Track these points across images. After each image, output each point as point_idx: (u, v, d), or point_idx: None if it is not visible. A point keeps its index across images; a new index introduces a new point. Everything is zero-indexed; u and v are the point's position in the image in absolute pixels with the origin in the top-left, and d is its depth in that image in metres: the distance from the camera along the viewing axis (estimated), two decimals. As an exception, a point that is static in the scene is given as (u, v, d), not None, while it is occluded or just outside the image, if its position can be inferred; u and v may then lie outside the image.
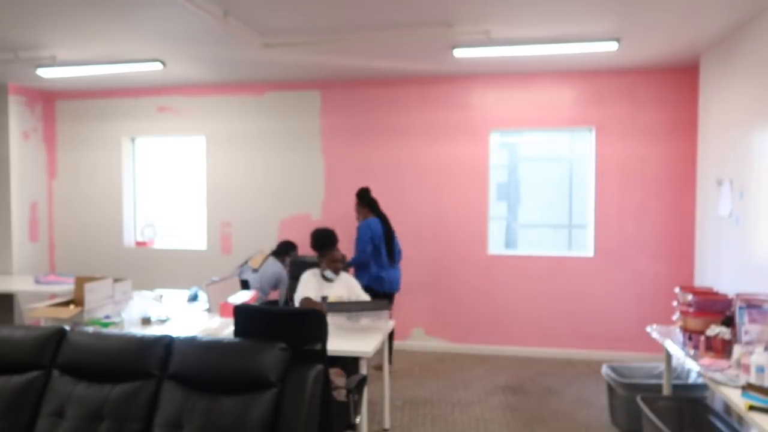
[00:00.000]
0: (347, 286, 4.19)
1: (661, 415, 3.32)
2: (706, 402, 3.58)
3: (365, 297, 4.22)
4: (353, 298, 4.12)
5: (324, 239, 4.35)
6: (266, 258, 5.23)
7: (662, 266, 5.53)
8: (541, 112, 5.74)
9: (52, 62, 5.11)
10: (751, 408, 2.33)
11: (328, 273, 4.12)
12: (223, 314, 3.93)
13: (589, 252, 5.77)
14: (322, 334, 2.70)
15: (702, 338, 3.04)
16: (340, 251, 4.24)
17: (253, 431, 2.29)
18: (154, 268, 6.50)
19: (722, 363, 2.82)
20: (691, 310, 3.25)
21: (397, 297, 5.52)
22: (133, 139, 6.78)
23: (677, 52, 4.88)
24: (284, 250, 5.44)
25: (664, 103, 5.49)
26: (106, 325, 3.58)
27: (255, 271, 5.11)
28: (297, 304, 4.04)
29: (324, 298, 4.00)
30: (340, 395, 3.05)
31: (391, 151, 6.03)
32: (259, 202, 6.34)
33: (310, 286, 4.07)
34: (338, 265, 4.14)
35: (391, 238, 5.19)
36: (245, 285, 4.92)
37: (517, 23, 4.14)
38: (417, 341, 6.02)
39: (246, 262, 5.28)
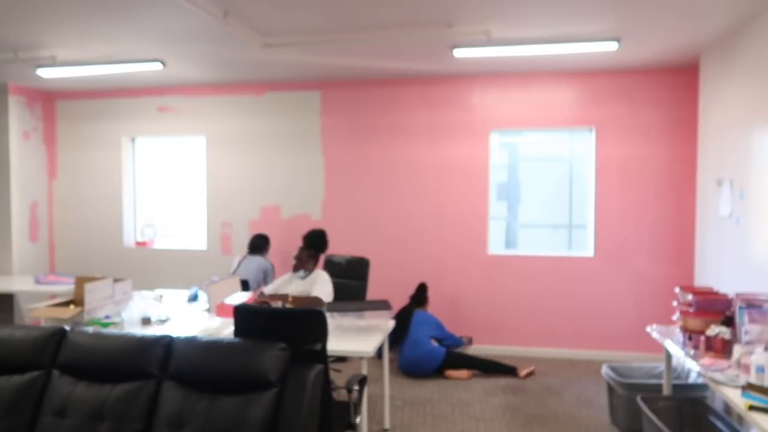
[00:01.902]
0: (308, 283, 4.32)
1: (661, 415, 3.32)
2: (706, 402, 3.58)
3: (322, 293, 4.23)
4: (312, 293, 4.22)
5: (310, 240, 4.62)
6: (243, 259, 5.54)
7: (662, 266, 5.53)
8: (541, 112, 5.74)
9: (52, 62, 5.10)
10: (751, 408, 2.33)
11: (300, 272, 4.43)
12: (219, 314, 3.92)
13: (589, 252, 5.77)
14: (322, 334, 2.70)
15: (702, 338, 3.04)
16: (305, 251, 4.45)
17: (253, 431, 2.29)
18: (154, 268, 6.50)
19: (722, 363, 2.81)
20: (691, 310, 3.25)
21: (398, 297, 5.52)
22: (133, 139, 6.78)
23: (677, 52, 4.88)
24: (259, 245, 5.70)
25: (664, 103, 5.49)
26: (106, 325, 3.58)
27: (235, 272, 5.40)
28: None
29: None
30: (340, 395, 3.05)
31: (391, 151, 6.03)
32: (259, 202, 6.34)
33: (276, 283, 4.39)
34: (294, 262, 4.43)
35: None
36: (245, 285, 4.92)
37: (517, 23, 4.14)
38: (417, 341, 6.01)
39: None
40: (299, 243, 6.13)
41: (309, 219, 6.20)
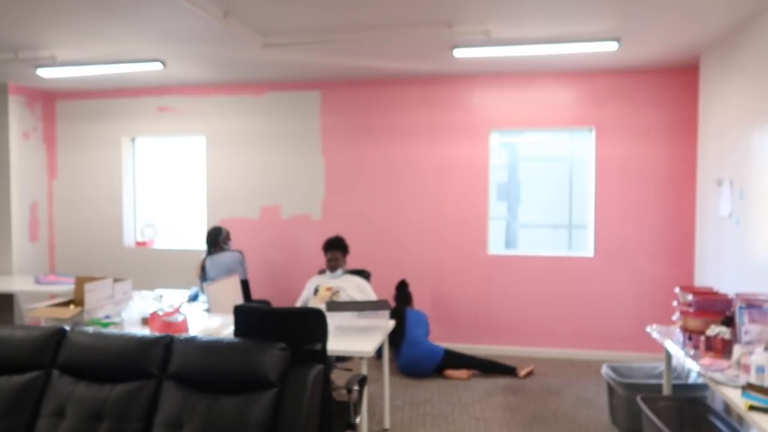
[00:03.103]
0: (340, 281, 4.57)
1: (661, 415, 3.32)
2: (706, 402, 3.58)
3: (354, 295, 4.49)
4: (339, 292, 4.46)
5: (337, 243, 4.79)
6: (204, 259, 5.26)
7: (662, 266, 5.53)
8: (541, 112, 5.74)
9: (52, 62, 5.10)
10: (751, 408, 2.33)
11: (329, 273, 4.70)
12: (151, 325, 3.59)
13: (589, 252, 5.77)
14: (322, 334, 2.70)
15: (702, 338, 3.04)
16: (338, 252, 4.72)
17: (253, 431, 2.29)
18: (154, 268, 6.50)
19: (722, 363, 2.81)
20: (691, 310, 3.25)
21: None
22: (133, 139, 6.78)
23: (677, 52, 4.88)
24: (216, 240, 5.34)
25: (664, 103, 5.49)
26: (106, 325, 3.58)
27: (205, 279, 5.15)
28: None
29: (316, 288, 4.54)
30: (340, 395, 3.05)
31: (391, 151, 6.03)
32: (258, 202, 6.34)
33: (306, 290, 4.64)
34: (332, 264, 4.70)
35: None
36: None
37: (517, 23, 4.14)
38: (417, 341, 6.01)
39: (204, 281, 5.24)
40: (299, 243, 6.22)
41: (309, 219, 6.20)
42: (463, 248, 5.92)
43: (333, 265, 4.66)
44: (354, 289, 4.48)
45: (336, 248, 4.73)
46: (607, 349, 5.64)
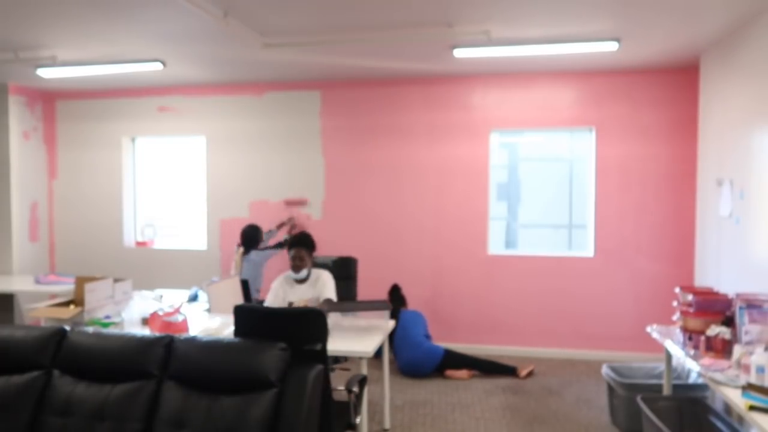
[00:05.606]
0: (316, 287, 4.03)
1: (661, 415, 3.32)
2: (706, 402, 3.58)
3: (331, 295, 4.01)
4: (321, 300, 3.96)
5: (302, 241, 4.13)
6: (242, 257, 5.27)
7: (662, 266, 5.53)
8: (541, 112, 5.74)
9: (52, 62, 5.10)
10: (751, 408, 2.33)
11: (293, 274, 4.03)
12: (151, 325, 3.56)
13: (589, 252, 5.77)
14: (322, 334, 2.70)
15: (702, 338, 3.05)
16: (302, 250, 4.04)
17: (253, 431, 2.29)
18: (154, 268, 6.50)
19: (722, 363, 2.82)
20: (691, 310, 3.25)
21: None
22: (133, 139, 6.78)
23: (677, 52, 4.88)
24: (252, 240, 5.36)
25: (664, 103, 5.49)
26: (106, 325, 3.58)
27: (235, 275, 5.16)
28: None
29: (290, 304, 3.94)
30: (340, 395, 3.05)
31: (391, 152, 6.03)
32: (258, 202, 6.34)
33: (273, 295, 4.03)
34: (296, 263, 4.01)
35: None
36: (245, 285, 4.92)
37: (517, 23, 4.14)
38: (417, 341, 6.00)
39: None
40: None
41: (309, 219, 6.20)
42: (463, 248, 5.92)
43: (298, 265, 4.01)
44: (329, 293, 4.01)
45: (301, 245, 4.07)
46: (607, 349, 5.64)
